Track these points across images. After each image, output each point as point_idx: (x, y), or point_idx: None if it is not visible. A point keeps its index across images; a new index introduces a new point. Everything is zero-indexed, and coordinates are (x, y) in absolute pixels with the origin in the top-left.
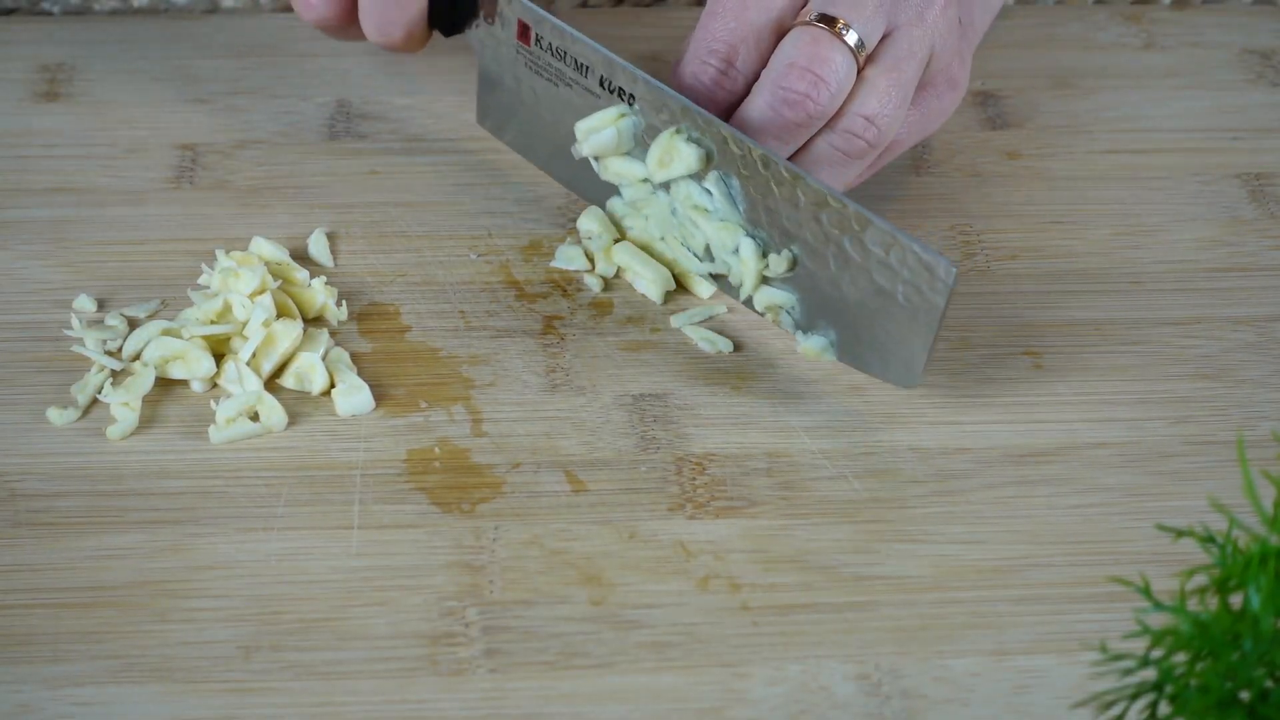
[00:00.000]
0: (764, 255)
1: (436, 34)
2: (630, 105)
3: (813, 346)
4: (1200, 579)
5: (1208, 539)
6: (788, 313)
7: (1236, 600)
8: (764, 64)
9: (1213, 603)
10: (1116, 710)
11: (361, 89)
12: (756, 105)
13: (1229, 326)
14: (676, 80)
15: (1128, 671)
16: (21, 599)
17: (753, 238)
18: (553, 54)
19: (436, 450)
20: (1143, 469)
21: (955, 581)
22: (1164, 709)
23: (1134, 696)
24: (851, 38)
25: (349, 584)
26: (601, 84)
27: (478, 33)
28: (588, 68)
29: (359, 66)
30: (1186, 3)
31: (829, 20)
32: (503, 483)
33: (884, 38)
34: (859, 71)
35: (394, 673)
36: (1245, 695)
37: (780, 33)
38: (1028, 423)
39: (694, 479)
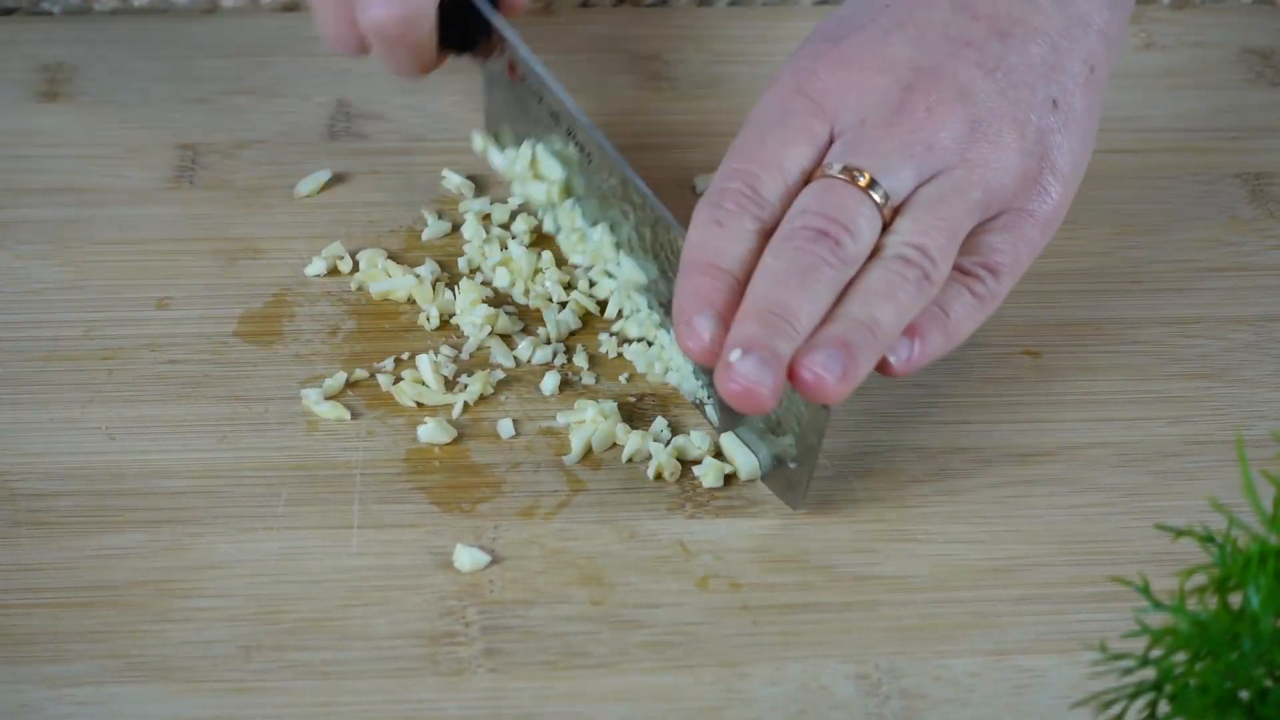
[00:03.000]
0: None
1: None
2: (588, 161)
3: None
4: (1199, 578)
5: (1207, 538)
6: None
7: (1236, 600)
8: (789, 202)
9: (1212, 602)
10: (1116, 710)
11: (361, 89)
12: (769, 255)
13: (1229, 326)
14: (693, 218)
15: (1127, 671)
16: (21, 599)
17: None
18: (534, 95)
19: (436, 450)
20: (1142, 469)
21: (955, 581)
22: (1163, 708)
23: (1133, 696)
24: (876, 193)
25: (349, 584)
26: (568, 134)
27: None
28: (557, 115)
29: (359, 66)
30: (1186, 3)
31: (849, 171)
32: (503, 483)
33: (921, 185)
34: (887, 223)
35: (394, 673)
36: (1245, 695)
37: (804, 178)
38: (1028, 423)
39: (694, 478)
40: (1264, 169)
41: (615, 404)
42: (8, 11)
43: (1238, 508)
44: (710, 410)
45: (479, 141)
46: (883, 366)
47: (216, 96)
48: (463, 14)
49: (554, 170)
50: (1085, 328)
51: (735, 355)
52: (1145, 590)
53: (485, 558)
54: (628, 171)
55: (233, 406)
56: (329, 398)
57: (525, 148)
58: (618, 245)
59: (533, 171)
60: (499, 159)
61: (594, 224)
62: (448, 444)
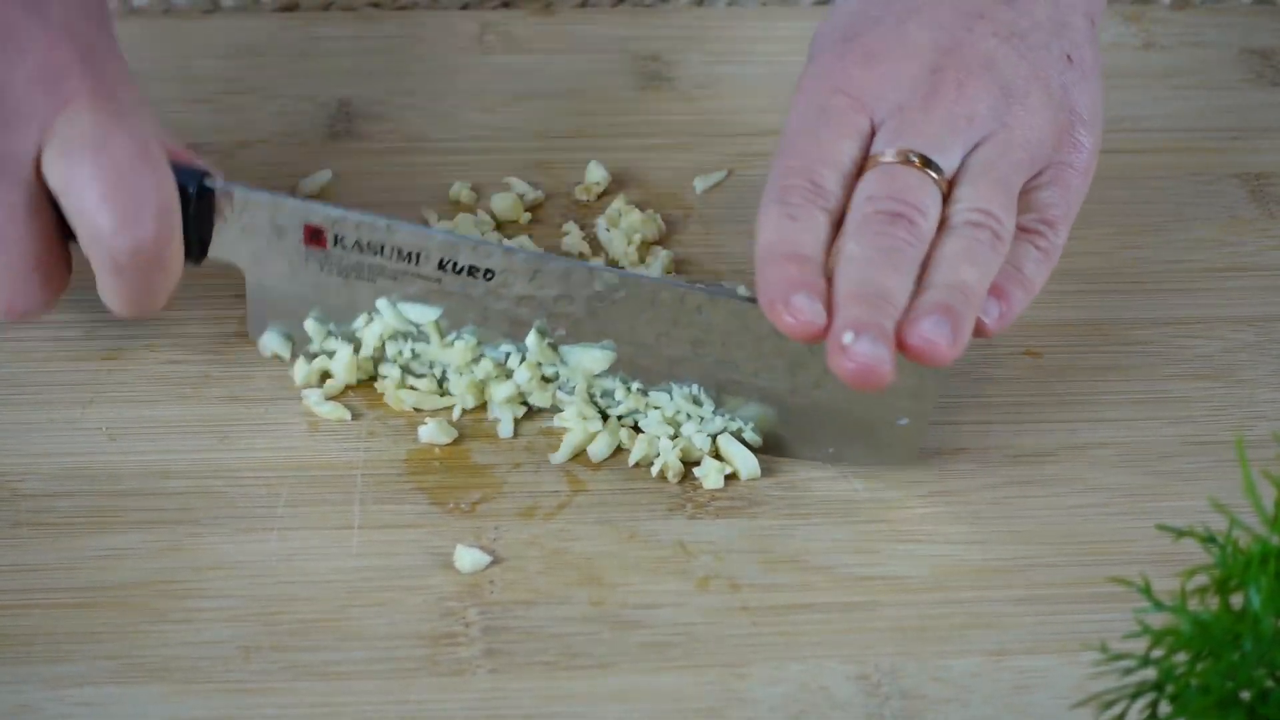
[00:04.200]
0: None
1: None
2: (487, 279)
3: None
4: (1201, 579)
5: (1208, 539)
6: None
7: (1237, 600)
8: (848, 194)
9: (1213, 603)
10: (1116, 710)
11: (361, 89)
12: (849, 242)
13: (1229, 326)
14: (761, 215)
15: (1128, 671)
16: (21, 599)
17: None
18: (362, 250)
19: (437, 451)
20: (1143, 469)
21: (955, 581)
22: (1164, 709)
23: (1134, 696)
24: (932, 170)
25: (349, 584)
26: (442, 266)
27: (237, 247)
28: (417, 254)
29: (359, 66)
30: (1186, 3)
31: (903, 154)
32: (503, 483)
33: (968, 156)
34: (947, 194)
35: (394, 673)
36: (1246, 695)
37: (858, 169)
38: (1028, 423)
39: (694, 479)
40: (1264, 169)
41: (596, 408)
42: None
43: (1238, 508)
44: (750, 434)
45: (275, 344)
46: (978, 328)
47: (216, 96)
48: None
49: (425, 314)
50: (1085, 328)
51: (848, 337)
52: (1146, 590)
53: (485, 558)
54: (539, 255)
55: (233, 406)
56: (329, 398)
57: (364, 321)
58: (553, 346)
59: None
60: (330, 356)
61: (497, 346)
62: (448, 444)
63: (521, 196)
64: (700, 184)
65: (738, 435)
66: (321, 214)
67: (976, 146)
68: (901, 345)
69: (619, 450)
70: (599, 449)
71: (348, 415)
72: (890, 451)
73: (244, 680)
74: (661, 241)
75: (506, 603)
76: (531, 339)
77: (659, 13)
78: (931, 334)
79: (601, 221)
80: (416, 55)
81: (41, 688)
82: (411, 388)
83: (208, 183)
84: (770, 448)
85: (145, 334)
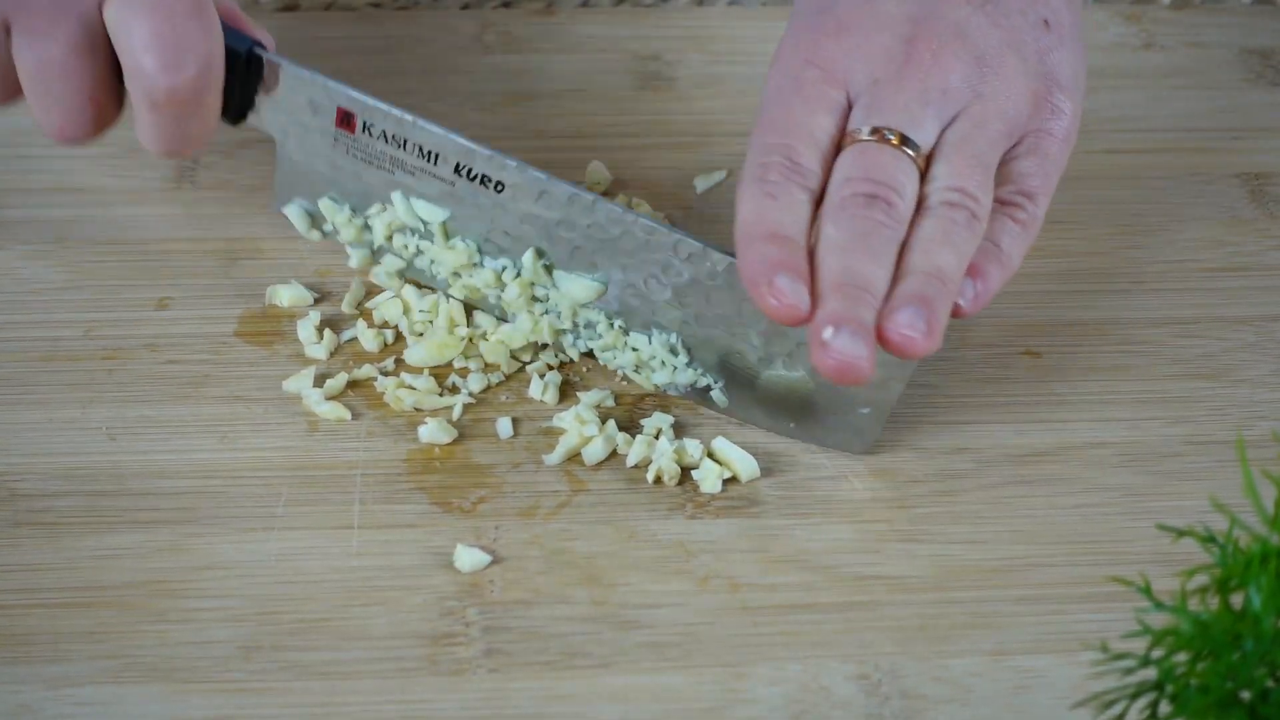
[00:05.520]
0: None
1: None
2: (497, 191)
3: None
4: (1201, 579)
5: (1208, 539)
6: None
7: (1237, 600)
8: (826, 171)
9: (1213, 602)
10: (1116, 710)
11: (362, 89)
12: (828, 225)
13: (1229, 326)
14: (740, 193)
15: (1128, 671)
16: (21, 599)
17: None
18: (387, 141)
19: (437, 450)
20: (1143, 469)
21: (955, 581)
22: (1164, 709)
23: (1134, 696)
24: (909, 148)
25: (349, 584)
26: (458, 170)
27: (275, 117)
28: (436, 155)
29: (359, 66)
30: (1186, 3)
31: (878, 132)
32: (503, 483)
33: (944, 129)
34: (924, 171)
35: (394, 673)
36: (1246, 695)
37: (835, 145)
38: (1028, 423)
39: (694, 480)
40: (1264, 169)
41: (596, 411)
42: None
43: (1239, 508)
44: (718, 394)
45: (296, 216)
46: (954, 311)
47: None
48: (238, 77)
49: (435, 214)
50: (1085, 328)
51: (828, 333)
52: (1147, 590)
53: (485, 558)
54: (545, 177)
55: (233, 406)
56: (329, 398)
57: (377, 209)
58: (548, 268)
59: (390, 231)
60: (346, 229)
61: (496, 258)
62: (448, 444)
63: None
64: (700, 184)
65: (705, 391)
66: (355, 99)
67: (953, 120)
68: (879, 337)
69: (613, 454)
70: (593, 452)
71: (348, 415)
72: (848, 438)
73: (244, 680)
74: None
75: (506, 602)
76: (528, 257)
77: (659, 13)
78: (908, 328)
79: None
80: (416, 55)
81: (41, 688)
82: (411, 387)
83: (258, 50)
84: (734, 410)
85: (145, 334)
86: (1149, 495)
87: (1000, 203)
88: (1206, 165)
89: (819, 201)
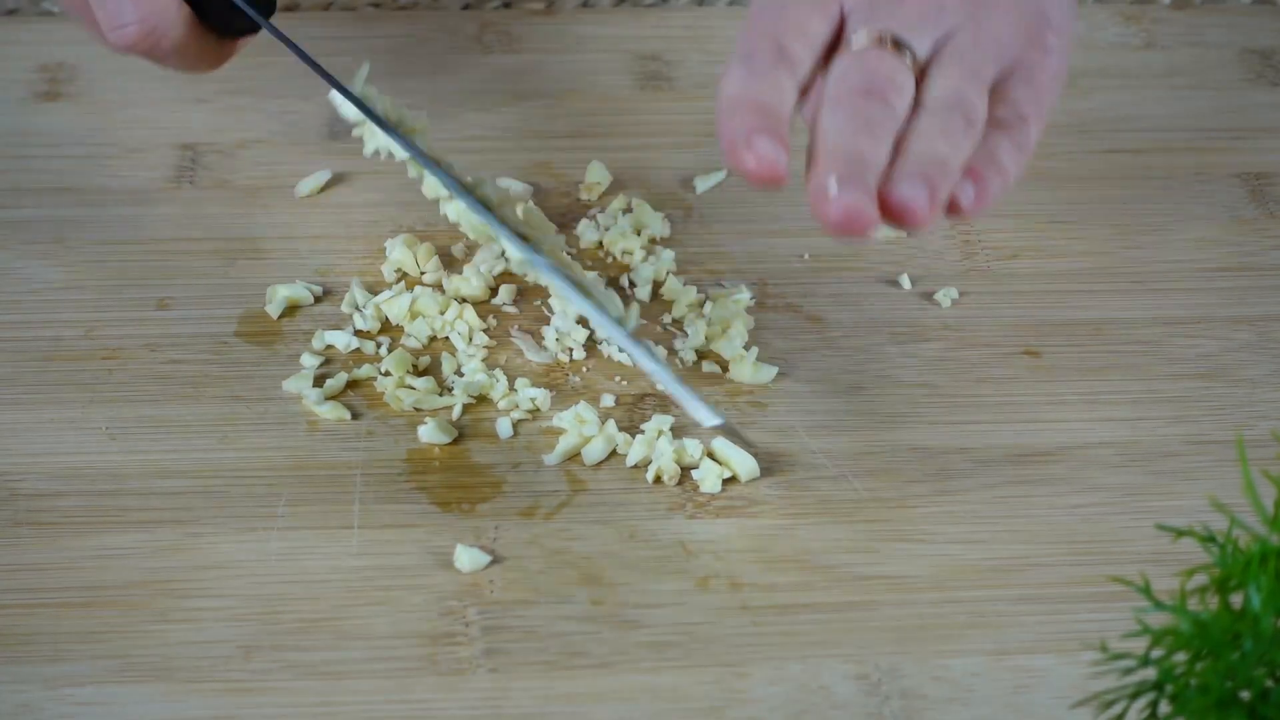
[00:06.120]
0: None
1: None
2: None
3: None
4: (1200, 578)
5: (1208, 538)
6: None
7: (1237, 600)
8: (816, 70)
9: (1213, 602)
10: (1116, 710)
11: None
12: (825, 117)
13: (1229, 326)
14: (726, 75)
15: (1128, 671)
16: (21, 599)
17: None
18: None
19: (437, 450)
20: (1143, 469)
21: (955, 581)
22: (1164, 708)
23: (1134, 696)
24: (905, 54)
25: (349, 584)
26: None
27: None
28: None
29: (359, 67)
30: (1186, 3)
31: (875, 36)
32: (503, 483)
33: (939, 45)
34: (918, 81)
35: (394, 673)
36: (1245, 695)
37: (828, 50)
38: (1028, 423)
39: (694, 480)
40: (1264, 169)
41: (595, 411)
42: (9, 11)
43: (1238, 508)
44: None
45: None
46: (953, 207)
47: (216, 96)
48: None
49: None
50: (1085, 328)
51: (832, 187)
52: (1146, 590)
53: (485, 558)
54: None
55: (233, 406)
56: (329, 398)
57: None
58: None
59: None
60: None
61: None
62: (448, 444)
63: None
64: (700, 184)
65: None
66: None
67: (947, 37)
68: (881, 206)
69: (613, 454)
70: (593, 452)
71: (347, 415)
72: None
73: (244, 680)
74: (663, 241)
75: (506, 602)
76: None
77: (659, 13)
78: (909, 196)
79: (601, 218)
80: (416, 55)
81: (41, 687)
82: (411, 387)
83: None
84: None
85: (145, 334)
86: (1148, 495)
87: (995, 123)
88: (1206, 165)
89: (804, 95)
